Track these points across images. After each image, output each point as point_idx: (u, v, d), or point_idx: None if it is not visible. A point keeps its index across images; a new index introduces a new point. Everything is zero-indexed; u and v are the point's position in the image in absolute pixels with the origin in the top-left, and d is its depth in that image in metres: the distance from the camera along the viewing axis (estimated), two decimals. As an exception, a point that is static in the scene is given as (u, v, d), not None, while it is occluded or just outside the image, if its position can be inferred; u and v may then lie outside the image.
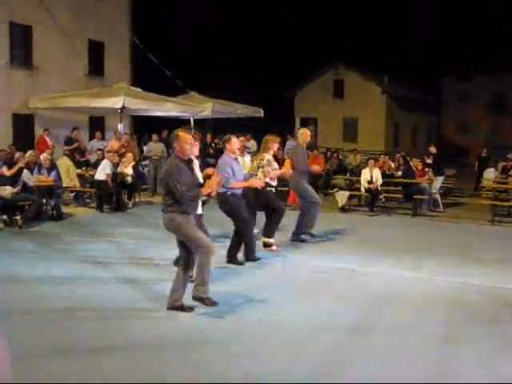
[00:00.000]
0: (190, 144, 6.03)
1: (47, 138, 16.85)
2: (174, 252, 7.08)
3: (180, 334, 5.66)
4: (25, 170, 11.99)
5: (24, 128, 18.78)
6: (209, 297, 6.20)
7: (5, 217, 11.52)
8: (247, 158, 10.75)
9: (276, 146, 9.60)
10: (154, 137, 18.68)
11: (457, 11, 41.07)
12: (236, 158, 8.51)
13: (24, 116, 18.52)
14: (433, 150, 16.71)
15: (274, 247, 9.39)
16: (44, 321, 5.92)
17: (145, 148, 19.34)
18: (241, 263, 8.52)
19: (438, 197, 15.21)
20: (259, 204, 9.21)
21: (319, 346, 5.38)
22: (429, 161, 16.41)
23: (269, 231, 9.35)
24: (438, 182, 15.22)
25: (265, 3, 35.65)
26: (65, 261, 8.61)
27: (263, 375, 4.69)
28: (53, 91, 18.04)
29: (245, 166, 9.70)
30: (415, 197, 14.33)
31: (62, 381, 4.47)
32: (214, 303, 6.21)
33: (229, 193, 8.22)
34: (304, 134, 10.38)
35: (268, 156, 9.32)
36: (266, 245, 9.37)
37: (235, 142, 8.39)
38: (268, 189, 9.24)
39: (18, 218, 11.39)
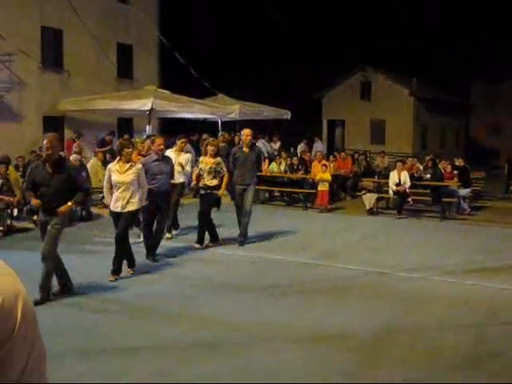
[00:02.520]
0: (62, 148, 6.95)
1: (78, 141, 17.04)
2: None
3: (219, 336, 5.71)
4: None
5: (54, 130, 19.00)
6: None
7: (35, 217, 11.68)
8: (188, 155, 11.16)
9: (211, 149, 9.98)
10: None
11: (487, 13, 40.53)
12: (157, 159, 9.01)
13: (54, 118, 18.80)
14: (460, 162, 16.47)
15: (196, 245, 9.84)
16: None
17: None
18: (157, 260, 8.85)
19: (461, 201, 14.90)
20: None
21: (348, 347, 5.36)
22: (457, 163, 16.18)
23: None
24: (463, 192, 14.86)
25: (291, 6, 35.57)
26: (93, 259, 8.73)
27: (291, 376, 4.69)
28: (83, 94, 18.31)
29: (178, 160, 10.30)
30: (444, 200, 14.15)
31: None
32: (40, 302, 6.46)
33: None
34: (243, 135, 10.75)
35: (201, 158, 10.11)
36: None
37: (158, 143, 9.06)
38: (202, 191, 9.87)
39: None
